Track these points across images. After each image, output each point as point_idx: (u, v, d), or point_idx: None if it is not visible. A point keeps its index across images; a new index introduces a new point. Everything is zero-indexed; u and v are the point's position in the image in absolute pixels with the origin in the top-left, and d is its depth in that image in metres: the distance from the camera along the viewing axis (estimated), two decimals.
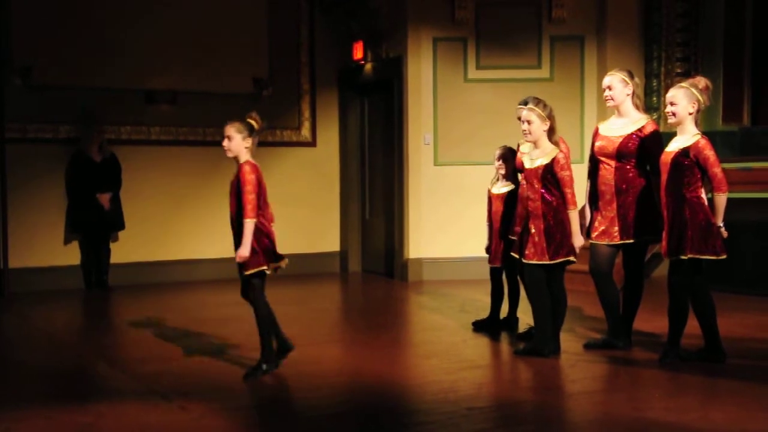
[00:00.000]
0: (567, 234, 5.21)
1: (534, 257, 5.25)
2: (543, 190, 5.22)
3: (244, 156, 4.92)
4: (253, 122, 4.98)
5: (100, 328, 7.09)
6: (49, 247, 8.67)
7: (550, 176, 5.19)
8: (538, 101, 5.28)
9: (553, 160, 5.18)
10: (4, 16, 8.45)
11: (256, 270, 4.81)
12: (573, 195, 5.20)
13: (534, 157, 5.29)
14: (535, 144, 5.28)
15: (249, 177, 4.80)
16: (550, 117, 5.23)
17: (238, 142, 4.90)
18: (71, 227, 8.67)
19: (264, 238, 4.84)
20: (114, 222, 8.71)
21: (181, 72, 9.19)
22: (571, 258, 5.26)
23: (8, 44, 8.47)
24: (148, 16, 9.05)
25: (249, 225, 4.75)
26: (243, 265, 4.82)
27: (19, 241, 8.49)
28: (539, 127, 5.23)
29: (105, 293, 8.50)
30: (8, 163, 8.38)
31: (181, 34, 9.20)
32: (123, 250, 8.94)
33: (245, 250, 4.74)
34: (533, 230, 5.26)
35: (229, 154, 4.93)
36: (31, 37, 8.56)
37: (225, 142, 4.93)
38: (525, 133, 5.33)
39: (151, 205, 9.15)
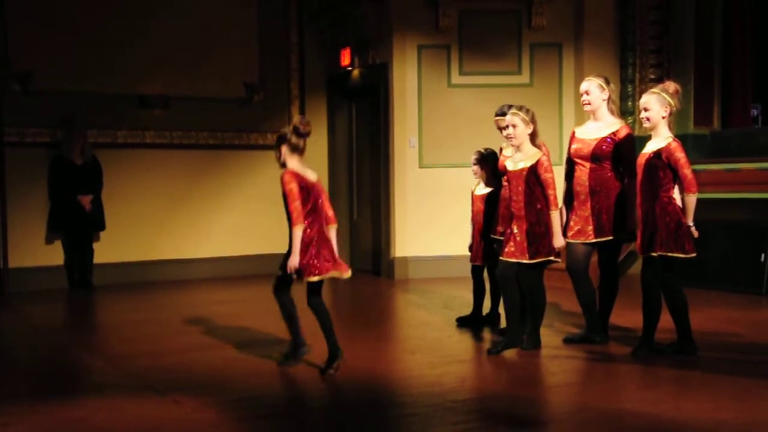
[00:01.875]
0: (549, 235, 5.20)
1: (513, 256, 5.23)
2: (526, 192, 5.20)
3: (288, 164, 4.79)
4: (287, 131, 4.80)
5: (93, 326, 7.06)
6: (46, 247, 8.62)
7: (534, 178, 5.18)
8: (520, 107, 5.28)
9: (537, 162, 5.17)
10: (1, 21, 8.39)
11: (318, 278, 4.73)
12: (555, 197, 5.21)
13: (517, 159, 5.28)
14: (519, 147, 5.28)
15: (288, 187, 4.71)
16: (533, 121, 5.23)
17: (284, 153, 4.80)
18: (52, 228, 8.58)
19: (323, 244, 4.76)
20: (94, 223, 8.61)
21: (174, 77, 9.16)
22: (552, 258, 5.26)
23: (6, 50, 8.42)
24: (143, 22, 9.03)
25: (296, 232, 4.68)
26: (301, 272, 4.70)
27: (17, 242, 8.44)
28: (523, 131, 5.22)
29: (89, 293, 8.40)
30: (7, 167, 8.34)
31: (174, 40, 9.17)
32: (118, 251, 8.90)
33: (295, 260, 4.67)
34: (516, 230, 5.25)
35: (282, 166, 4.81)
36: (29, 42, 8.51)
37: (276, 155, 4.83)
38: (509, 138, 5.33)
39: (146, 207, 9.12)
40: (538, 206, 5.20)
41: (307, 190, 4.74)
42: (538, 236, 5.19)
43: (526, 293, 5.31)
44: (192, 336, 6.02)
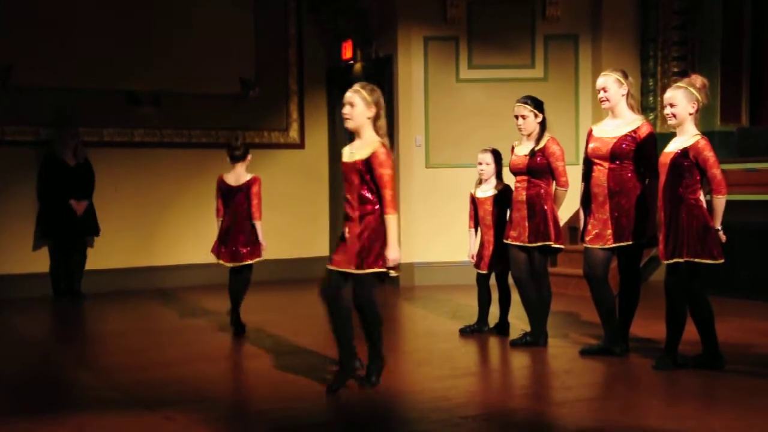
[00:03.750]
0: (384, 243, 4.61)
1: (340, 264, 4.66)
2: (359, 189, 4.65)
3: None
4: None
5: (79, 337, 7.07)
6: (25, 253, 8.62)
7: (369, 173, 4.60)
8: (364, 84, 4.76)
9: (373, 153, 4.59)
10: None
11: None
12: (393, 197, 4.59)
13: (354, 149, 4.72)
14: (358, 134, 4.70)
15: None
16: (377, 103, 4.65)
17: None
18: (42, 233, 8.57)
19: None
20: (88, 227, 8.62)
21: (165, 72, 9.18)
22: (386, 270, 4.65)
23: None
24: (131, 14, 9.04)
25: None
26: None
27: None
28: (362, 113, 4.65)
29: (77, 302, 8.38)
30: None
31: (164, 32, 9.19)
32: (104, 256, 8.91)
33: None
34: (347, 234, 4.68)
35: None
36: (8, 36, 8.53)
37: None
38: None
39: (134, 209, 9.14)
40: (375, 208, 4.61)
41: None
42: (369, 243, 4.59)
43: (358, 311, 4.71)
44: (184, 347, 6.03)
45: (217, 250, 6.43)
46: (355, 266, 4.59)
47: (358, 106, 4.63)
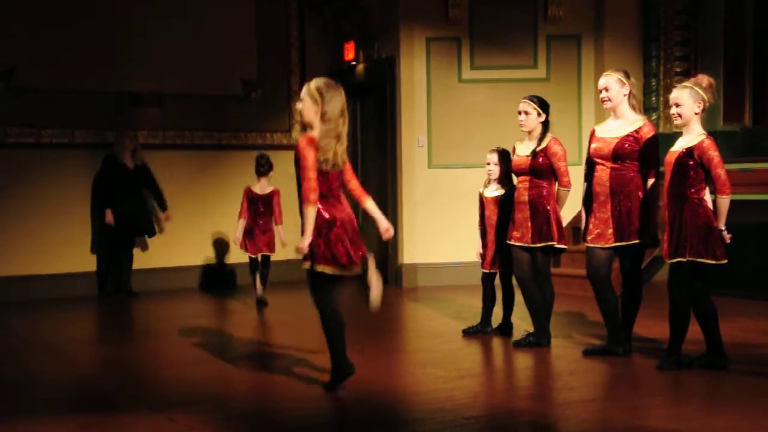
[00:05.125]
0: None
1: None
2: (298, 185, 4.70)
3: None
4: None
5: (85, 338, 7.07)
6: (29, 254, 8.62)
7: (296, 169, 4.67)
8: (314, 82, 4.75)
9: (297, 144, 4.67)
10: None
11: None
12: (309, 189, 4.59)
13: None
14: (311, 127, 4.69)
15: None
16: (322, 98, 4.61)
17: None
18: (99, 232, 8.67)
19: None
20: (143, 226, 8.75)
21: (167, 73, 9.18)
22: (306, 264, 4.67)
23: None
24: (133, 15, 9.04)
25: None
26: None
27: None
28: (309, 107, 4.66)
29: (129, 298, 8.50)
30: None
31: (166, 33, 9.18)
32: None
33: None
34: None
35: None
36: (11, 37, 8.54)
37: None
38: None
39: None
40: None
41: None
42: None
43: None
44: (186, 349, 6.04)
45: (244, 245, 7.84)
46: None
47: (305, 100, 4.64)
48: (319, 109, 4.60)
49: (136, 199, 8.66)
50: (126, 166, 8.64)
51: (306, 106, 4.63)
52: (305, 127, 4.72)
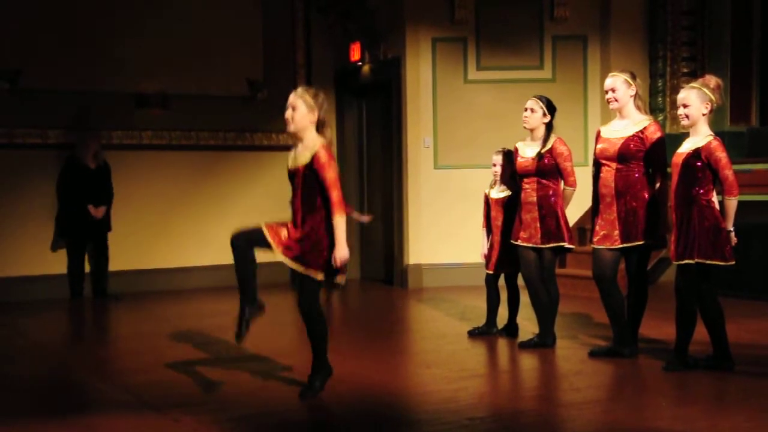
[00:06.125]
0: (327, 245, 4.52)
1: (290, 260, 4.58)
2: (303, 193, 4.55)
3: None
4: None
5: (90, 338, 7.09)
6: (36, 255, 8.66)
7: (312, 175, 4.50)
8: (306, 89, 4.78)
9: (315, 156, 4.50)
10: None
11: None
12: (340, 198, 4.47)
13: (299, 152, 4.61)
14: (299, 137, 4.62)
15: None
16: (318, 105, 4.62)
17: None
18: (60, 233, 8.66)
19: None
20: (102, 226, 8.69)
21: (173, 74, 9.19)
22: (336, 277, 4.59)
23: None
24: (140, 17, 9.05)
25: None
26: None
27: (4, 249, 8.49)
28: (304, 116, 4.62)
29: (107, 302, 8.47)
30: None
31: (173, 35, 9.19)
32: (114, 258, 8.90)
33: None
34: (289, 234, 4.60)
35: None
36: (18, 40, 8.56)
37: None
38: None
39: (143, 212, 9.14)
40: (319, 212, 4.52)
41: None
42: (313, 246, 4.50)
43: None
44: (192, 350, 6.04)
45: None
46: (303, 268, 4.51)
47: (300, 109, 4.59)
48: (315, 116, 4.59)
49: (98, 200, 8.57)
50: (88, 167, 8.60)
51: (300, 113, 4.58)
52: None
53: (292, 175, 4.62)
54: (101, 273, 8.71)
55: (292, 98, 4.64)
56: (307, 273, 4.52)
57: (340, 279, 4.61)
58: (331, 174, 4.47)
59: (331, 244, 4.49)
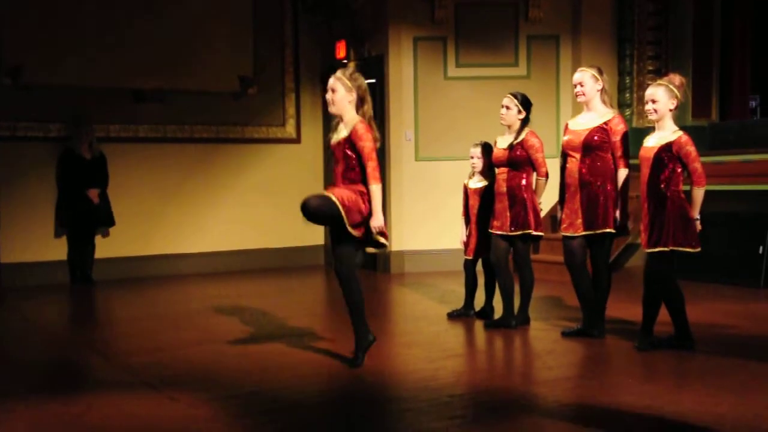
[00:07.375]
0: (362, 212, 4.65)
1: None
2: (344, 166, 4.68)
3: None
4: None
5: (90, 322, 7.05)
6: (39, 242, 8.61)
7: (351, 148, 4.63)
8: (345, 70, 4.85)
9: (353, 129, 4.64)
10: None
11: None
12: (375, 168, 4.62)
13: (340, 129, 4.77)
14: (341, 117, 4.76)
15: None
16: (358, 88, 4.72)
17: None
18: (61, 223, 8.61)
19: None
20: (103, 218, 8.66)
21: (169, 71, 9.14)
22: (377, 240, 4.74)
23: None
24: (136, 16, 9.00)
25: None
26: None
27: (10, 237, 8.43)
28: (344, 98, 4.72)
29: (91, 287, 8.42)
30: None
31: (167, 33, 9.15)
32: (112, 246, 8.89)
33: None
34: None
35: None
36: (20, 36, 8.48)
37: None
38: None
39: (140, 202, 9.10)
40: (357, 183, 4.64)
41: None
42: (352, 205, 4.61)
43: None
44: (188, 331, 6.02)
45: None
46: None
47: (339, 91, 4.70)
48: (353, 96, 4.69)
49: (94, 189, 8.51)
50: (83, 157, 8.53)
51: (339, 95, 4.69)
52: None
53: (335, 149, 4.74)
54: (87, 260, 8.62)
55: (332, 81, 4.72)
56: (355, 233, 4.62)
57: (383, 240, 4.74)
58: (368, 145, 4.59)
59: (369, 213, 4.62)
